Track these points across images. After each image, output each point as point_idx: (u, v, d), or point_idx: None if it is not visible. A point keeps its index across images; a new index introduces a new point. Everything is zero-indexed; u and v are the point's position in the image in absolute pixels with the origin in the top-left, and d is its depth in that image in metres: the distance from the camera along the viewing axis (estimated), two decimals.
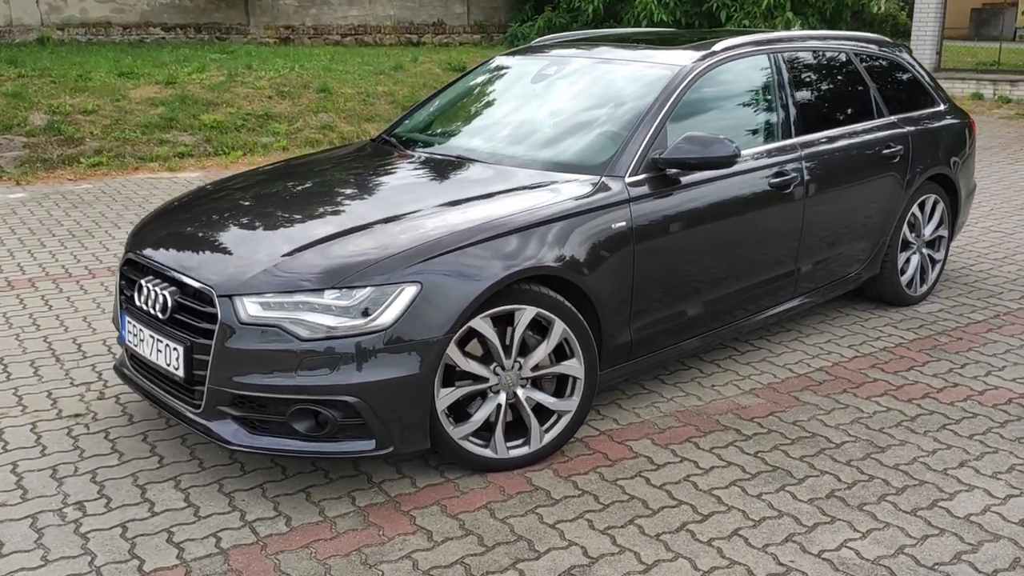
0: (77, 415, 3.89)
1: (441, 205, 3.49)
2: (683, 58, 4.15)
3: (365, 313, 3.04)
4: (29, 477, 3.39)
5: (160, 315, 3.29)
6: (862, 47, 5.05)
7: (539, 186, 3.63)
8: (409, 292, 3.07)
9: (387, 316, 3.04)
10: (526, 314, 3.29)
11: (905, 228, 5.04)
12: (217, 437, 3.18)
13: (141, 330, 3.39)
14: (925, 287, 5.29)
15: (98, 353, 4.56)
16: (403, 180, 3.99)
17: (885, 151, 4.78)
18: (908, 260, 5.16)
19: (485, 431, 3.36)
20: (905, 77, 5.27)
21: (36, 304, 5.25)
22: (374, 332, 3.03)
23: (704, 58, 4.14)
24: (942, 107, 5.43)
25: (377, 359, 3.03)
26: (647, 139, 3.76)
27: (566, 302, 3.38)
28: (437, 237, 3.21)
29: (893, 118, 4.98)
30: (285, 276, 3.12)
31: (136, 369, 3.57)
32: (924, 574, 2.80)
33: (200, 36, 16.50)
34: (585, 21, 15.61)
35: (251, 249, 3.31)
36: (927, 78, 5.44)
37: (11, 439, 3.68)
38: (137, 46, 15.15)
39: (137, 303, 3.41)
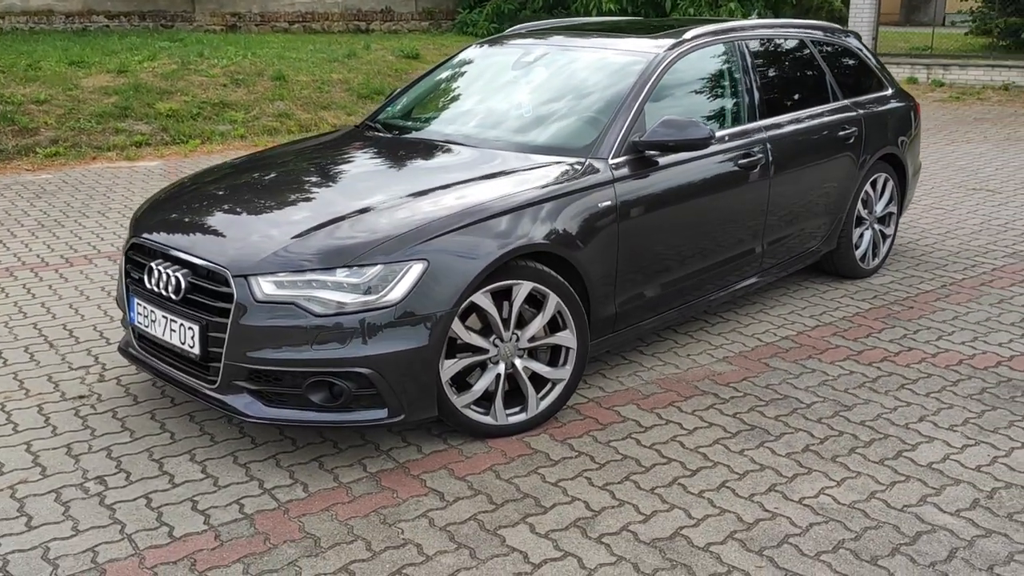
0: (81, 396, 4.01)
1: (440, 187, 3.68)
2: (656, 46, 4.38)
3: (375, 290, 3.22)
4: (45, 455, 3.51)
5: (173, 296, 3.43)
6: (816, 34, 5.35)
7: (530, 168, 3.84)
8: (416, 269, 3.26)
9: (396, 292, 3.23)
10: (523, 289, 3.51)
11: (859, 205, 5.36)
12: (234, 410, 3.35)
13: (152, 311, 3.53)
14: (877, 260, 5.63)
15: (90, 339, 4.66)
16: (399, 163, 4.17)
17: (841, 133, 5.09)
18: (862, 235, 5.48)
19: (485, 400, 3.57)
20: (855, 62, 5.59)
21: (18, 293, 5.32)
22: (385, 307, 3.22)
23: (675, 46, 4.39)
24: (889, 91, 5.76)
25: (388, 332, 3.22)
26: (627, 123, 4.00)
27: (559, 277, 3.60)
28: (441, 217, 3.41)
29: (847, 101, 5.29)
30: (298, 256, 3.29)
31: (145, 349, 3.70)
32: (895, 516, 3.09)
33: (144, 24, 16.34)
34: (534, 9, 15.80)
35: (262, 231, 3.47)
36: (875, 63, 5.77)
37: (21, 421, 3.79)
38: (81, 35, 14.96)
39: (148, 285, 3.55)
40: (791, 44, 5.15)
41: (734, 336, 4.67)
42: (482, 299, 3.42)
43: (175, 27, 16.53)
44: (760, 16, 15.64)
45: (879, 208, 5.56)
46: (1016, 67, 15.19)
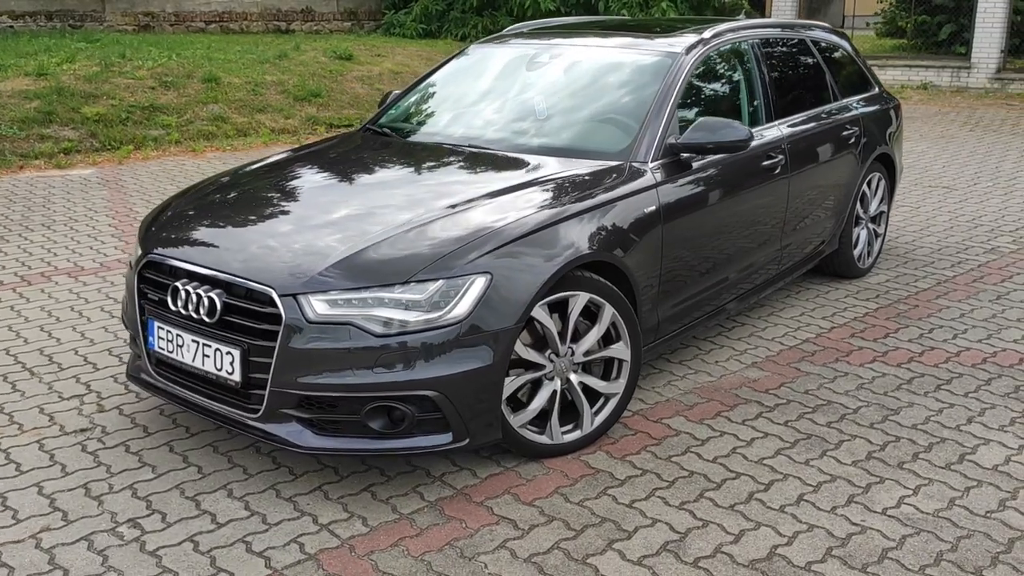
0: (83, 429, 3.66)
1: (486, 195, 3.47)
2: (677, 45, 4.26)
3: (438, 306, 3.01)
4: (61, 498, 3.18)
5: (206, 319, 3.14)
6: (814, 33, 5.33)
7: (573, 173, 3.67)
8: (480, 283, 3.06)
9: (460, 308, 3.02)
10: (579, 300, 3.33)
11: (857, 204, 5.36)
12: (281, 441, 3.08)
13: (179, 335, 3.23)
14: (871, 260, 5.64)
15: (74, 364, 4.29)
16: (431, 171, 3.93)
17: (844, 133, 5.07)
18: (858, 235, 5.48)
19: (538, 418, 3.38)
20: (848, 62, 5.59)
21: None
22: (449, 325, 3.00)
23: (696, 45, 4.27)
24: (876, 90, 5.78)
25: (454, 352, 3.01)
26: (663, 125, 3.87)
27: (614, 287, 3.44)
28: (500, 227, 3.21)
29: (845, 101, 5.28)
30: (351, 272, 3.04)
31: (165, 375, 3.39)
32: (981, 523, 3.03)
33: (52, 24, 15.50)
34: (463, 9, 15.57)
35: (305, 245, 3.20)
36: (863, 63, 5.78)
37: (23, 459, 3.43)
38: None
39: (173, 307, 3.24)
40: (795, 44, 5.10)
41: (755, 340, 4.59)
42: (540, 312, 3.23)
43: (84, 27, 15.72)
44: (682, 15, 15.77)
45: (873, 207, 5.57)
46: (932, 67, 15.69)
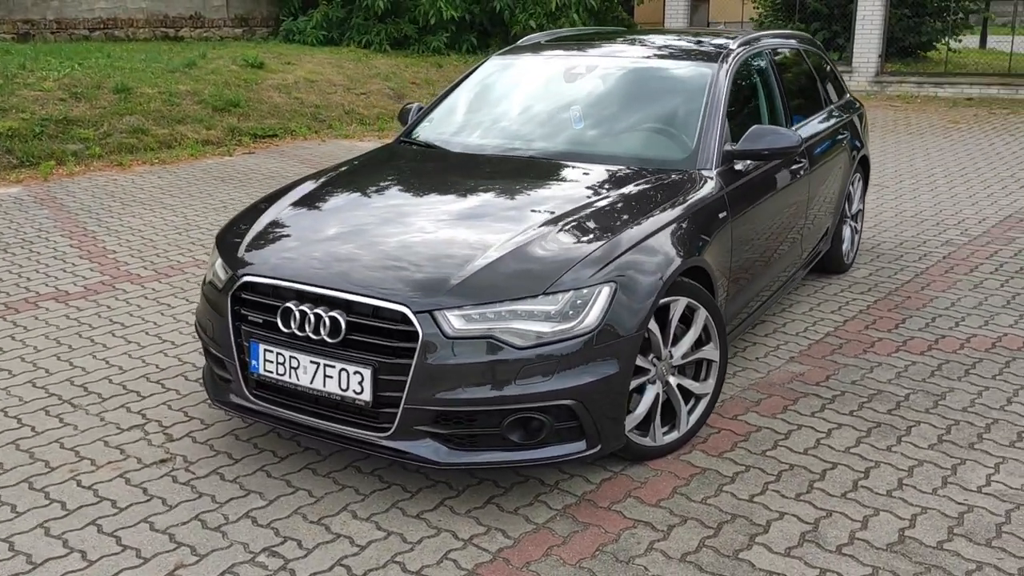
0: (163, 460, 3.52)
1: (583, 205, 3.53)
2: (712, 56, 4.42)
3: (570, 316, 3.05)
4: (179, 532, 3.06)
5: (328, 339, 3.08)
6: (804, 44, 5.60)
7: (655, 182, 3.77)
8: (605, 292, 3.12)
9: (590, 317, 3.07)
10: (679, 305, 3.44)
11: (845, 203, 5.67)
12: (417, 459, 3.06)
13: (294, 357, 3.15)
14: (852, 255, 5.98)
15: (116, 393, 4.10)
16: (511, 182, 3.94)
17: (840, 136, 5.36)
18: (844, 232, 5.80)
19: (641, 421, 3.47)
20: (829, 69, 5.90)
21: None
22: (582, 334, 3.05)
23: (730, 56, 4.44)
24: (848, 95, 6.13)
25: (588, 360, 3.06)
26: (719, 134, 4.01)
27: (707, 291, 3.56)
28: (614, 237, 3.27)
29: (833, 106, 5.58)
30: (484, 286, 3.05)
31: (266, 398, 3.30)
32: None
33: None
34: (365, 16, 15.39)
35: (423, 260, 3.18)
36: (836, 70, 6.11)
37: (117, 496, 3.27)
38: None
39: (286, 329, 3.15)
40: (793, 53, 5.36)
41: (781, 336, 4.80)
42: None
43: None
44: (586, 24, 16.08)
45: (855, 205, 5.91)
46: None
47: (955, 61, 17.90)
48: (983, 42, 24.23)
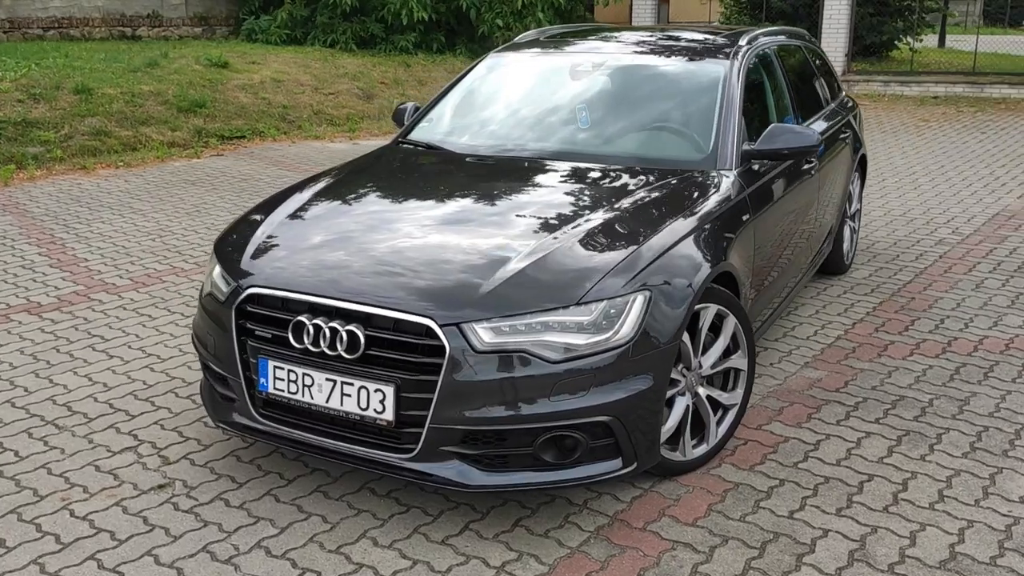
0: (161, 486, 3.28)
1: (608, 208, 3.36)
2: (723, 53, 4.28)
3: (604, 328, 2.88)
4: (188, 566, 2.83)
5: (346, 355, 2.87)
6: (805, 41, 5.48)
7: (678, 184, 3.61)
8: (640, 302, 2.94)
9: (625, 329, 2.90)
10: (709, 312, 3.28)
11: (845, 203, 5.57)
12: (445, 482, 2.86)
13: (307, 375, 2.94)
14: (852, 255, 5.88)
15: (102, 413, 3.85)
16: (528, 185, 3.74)
17: (843, 135, 5.25)
18: (844, 232, 5.69)
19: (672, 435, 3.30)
20: (827, 68, 5.79)
21: None
22: (617, 347, 2.87)
23: (739, 52, 4.30)
24: (843, 94, 6.03)
25: (624, 374, 2.88)
26: (736, 133, 3.87)
27: (736, 298, 3.40)
28: (645, 242, 3.10)
29: (834, 105, 5.47)
30: (513, 297, 2.86)
31: (275, 418, 3.08)
32: None
33: None
34: (331, 15, 15.08)
35: (445, 269, 2.98)
36: (832, 67, 6.01)
37: (115, 527, 3.03)
38: None
39: (299, 345, 2.94)
40: (796, 50, 5.24)
41: (792, 341, 4.67)
42: None
43: None
44: (552, 23, 15.94)
45: (854, 205, 5.81)
46: None
47: (917, 60, 18.04)
48: (942, 41, 24.50)
